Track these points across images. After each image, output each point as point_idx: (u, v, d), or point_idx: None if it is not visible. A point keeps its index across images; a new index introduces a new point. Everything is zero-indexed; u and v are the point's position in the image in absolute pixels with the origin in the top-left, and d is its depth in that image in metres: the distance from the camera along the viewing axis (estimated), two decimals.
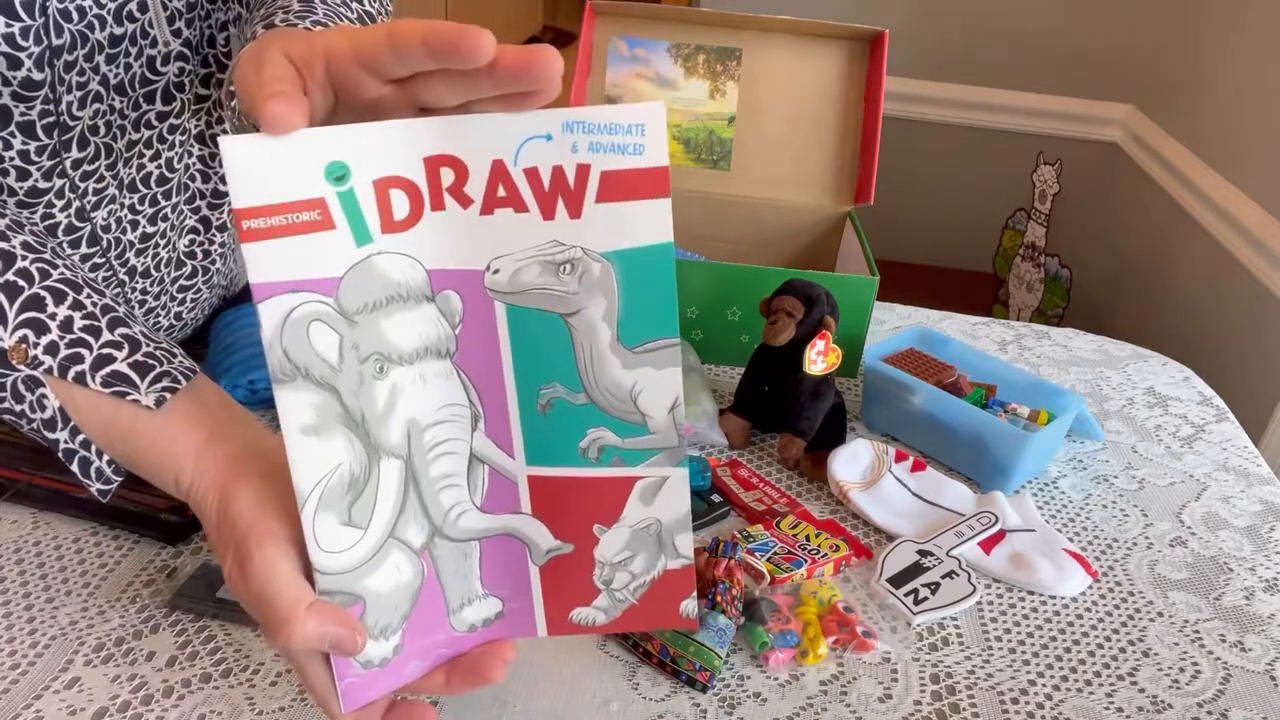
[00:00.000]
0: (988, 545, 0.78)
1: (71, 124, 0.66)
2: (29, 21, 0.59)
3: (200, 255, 0.84)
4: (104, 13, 0.63)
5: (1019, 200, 2.66)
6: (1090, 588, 0.76)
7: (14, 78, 0.61)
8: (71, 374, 0.52)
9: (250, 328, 0.87)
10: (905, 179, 2.60)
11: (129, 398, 0.51)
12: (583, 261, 0.44)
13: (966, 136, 2.58)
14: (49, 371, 0.52)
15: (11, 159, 0.65)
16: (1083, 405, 0.91)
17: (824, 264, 1.19)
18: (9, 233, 0.55)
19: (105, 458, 0.54)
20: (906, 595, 0.72)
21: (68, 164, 0.68)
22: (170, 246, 0.80)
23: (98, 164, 0.70)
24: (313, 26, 0.60)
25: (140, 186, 0.75)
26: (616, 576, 0.50)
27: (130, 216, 0.75)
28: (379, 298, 0.44)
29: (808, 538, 0.77)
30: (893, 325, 1.14)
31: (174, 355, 0.54)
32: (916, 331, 0.99)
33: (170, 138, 0.75)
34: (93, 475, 0.54)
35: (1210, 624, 0.73)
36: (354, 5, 0.69)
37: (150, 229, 0.77)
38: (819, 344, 0.85)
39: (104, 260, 0.75)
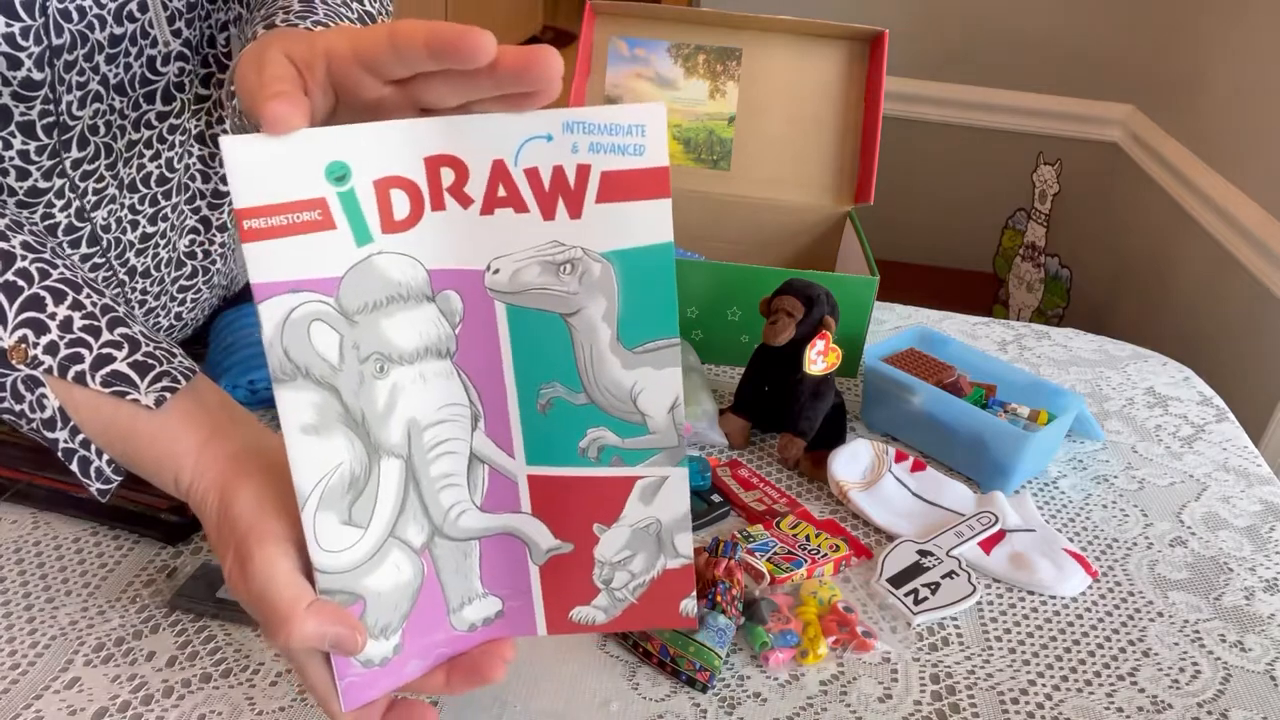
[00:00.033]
0: (988, 545, 0.78)
1: (71, 124, 0.66)
2: (29, 21, 0.59)
3: (200, 255, 0.84)
4: (104, 13, 0.63)
5: (1019, 200, 2.66)
6: (1090, 588, 0.76)
7: (14, 77, 0.61)
8: (71, 374, 0.52)
9: (250, 327, 0.87)
10: (905, 179, 2.60)
11: (129, 397, 0.51)
12: (583, 261, 0.44)
13: (966, 136, 2.58)
14: (49, 371, 0.52)
15: (11, 159, 0.65)
16: (1083, 405, 0.91)
17: (824, 264, 1.19)
18: (8, 233, 0.55)
19: (105, 457, 0.54)
20: (906, 595, 0.72)
21: (67, 164, 0.68)
22: (170, 246, 0.80)
23: (98, 164, 0.70)
24: (313, 27, 0.60)
25: (140, 186, 0.75)
26: (616, 576, 0.50)
27: (130, 216, 0.75)
28: (379, 297, 0.44)
29: (808, 538, 0.77)
30: (893, 325, 1.14)
31: (173, 355, 0.54)
32: (916, 331, 0.99)
33: (170, 138, 0.75)
34: (92, 475, 0.54)
35: (1210, 624, 0.73)
36: (354, 5, 0.69)
37: (150, 229, 0.77)
38: (819, 344, 0.85)
39: (104, 260, 0.75)
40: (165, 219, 0.78)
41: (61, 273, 0.55)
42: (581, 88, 1.17)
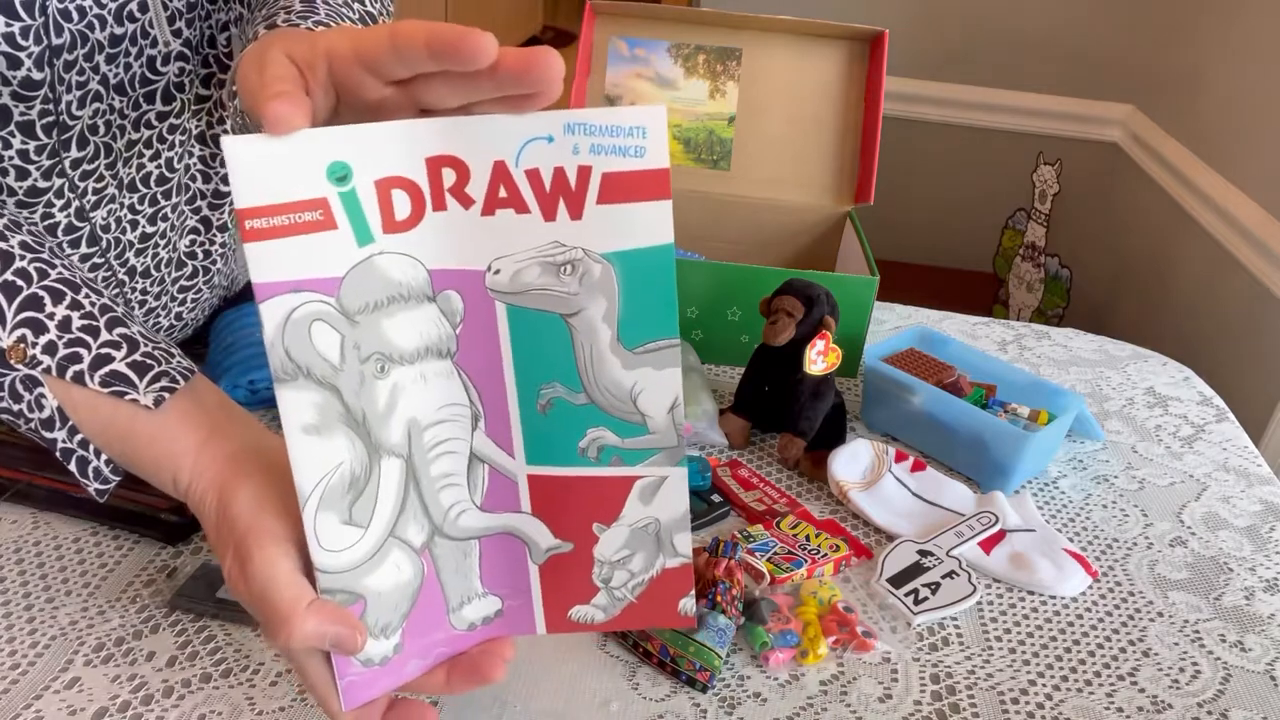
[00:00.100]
0: (988, 545, 0.78)
1: (71, 123, 0.66)
2: (29, 21, 0.59)
3: (201, 255, 0.84)
4: (104, 12, 0.63)
5: (1019, 200, 2.66)
6: (1090, 588, 0.76)
7: (14, 77, 0.61)
8: (70, 373, 0.52)
9: (250, 327, 0.87)
10: (905, 179, 2.60)
11: (127, 397, 0.51)
12: (583, 262, 0.44)
13: (966, 136, 2.58)
14: (47, 371, 0.52)
15: (11, 158, 0.65)
16: (1083, 405, 0.91)
17: (824, 264, 1.19)
18: (7, 233, 0.55)
19: (103, 457, 0.54)
20: (906, 595, 0.72)
21: (67, 163, 0.68)
22: (170, 247, 0.80)
23: (97, 163, 0.70)
24: (315, 27, 0.60)
25: (140, 186, 0.75)
26: (615, 575, 0.50)
27: (130, 216, 0.75)
28: (380, 297, 0.44)
29: (808, 538, 0.77)
30: (893, 325, 1.14)
31: (172, 355, 0.54)
32: (916, 331, 0.99)
33: (170, 138, 0.75)
34: (90, 475, 0.54)
35: (1210, 624, 0.73)
36: (356, 6, 0.69)
37: (150, 229, 0.77)
38: (819, 344, 0.85)
39: (103, 260, 0.75)
40: (165, 219, 0.78)
41: (60, 273, 0.55)
42: (582, 88, 1.17)
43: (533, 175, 0.43)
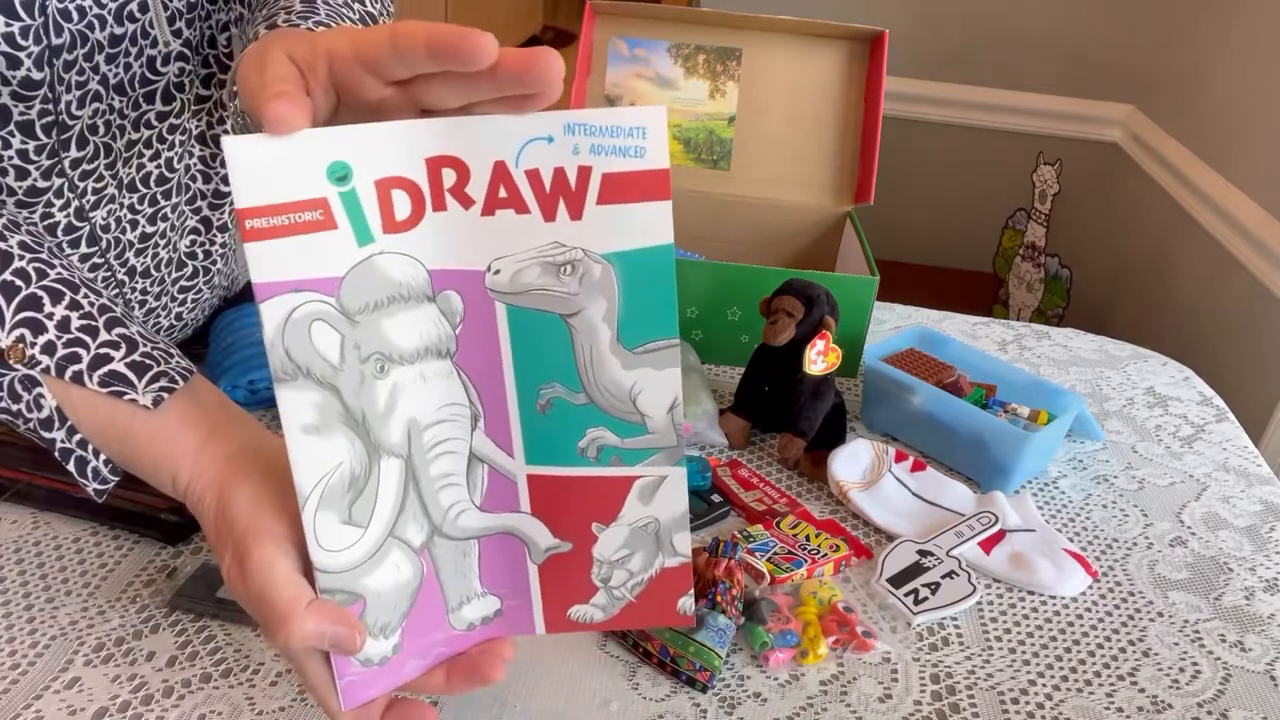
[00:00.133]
0: (988, 545, 0.78)
1: (70, 123, 0.66)
2: (28, 21, 0.59)
3: (201, 256, 0.84)
4: (104, 12, 0.63)
5: (1019, 200, 2.66)
6: (1090, 588, 0.76)
7: (13, 77, 0.61)
8: (69, 373, 0.52)
9: (250, 327, 0.87)
10: (905, 179, 2.60)
11: (126, 397, 0.51)
12: (583, 263, 0.44)
13: (966, 136, 2.58)
14: (46, 371, 0.52)
15: (10, 158, 0.65)
16: (1083, 405, 0.91)
17: (824, 264, 1.19)
18: (6, 233, 0.55)
19: (102, 457, 0.54)
20: (906, 595, 0.72)
21: (66, 163, 0.68)
22: (171, 247, 0.80)
23: (97, 163, 0.70)
24: (315, 27, 0.60)
25: (140, 186, 0.75)
26: (614, 574, 0.50)
27: (130, 216, 0.75)
28: (380, 297, 0.44)
29: (808, 538, 0.77)
30: (893, 325, 1.14)
31: (171, 355, 0.54)
32: (916, 331, 0.99)
33: (170, 138, 0.75)
34: (89, 475, 0.54)
35: (1210, 624, 0.73)
36: (356, 6, 0.69)
37: (150, 229, 0.77)
38: (819, 344, 0.85)
39: (103, 260, 0.75)
40: (165, 219, 0.78)
41: (59, 273, 0.55)
42: (582, 88, 1.17)
43: (533, 175, 0.43)
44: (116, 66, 0.66)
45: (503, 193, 0.43)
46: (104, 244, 0.74)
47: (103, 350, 0.52)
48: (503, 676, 0.51)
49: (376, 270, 0.43)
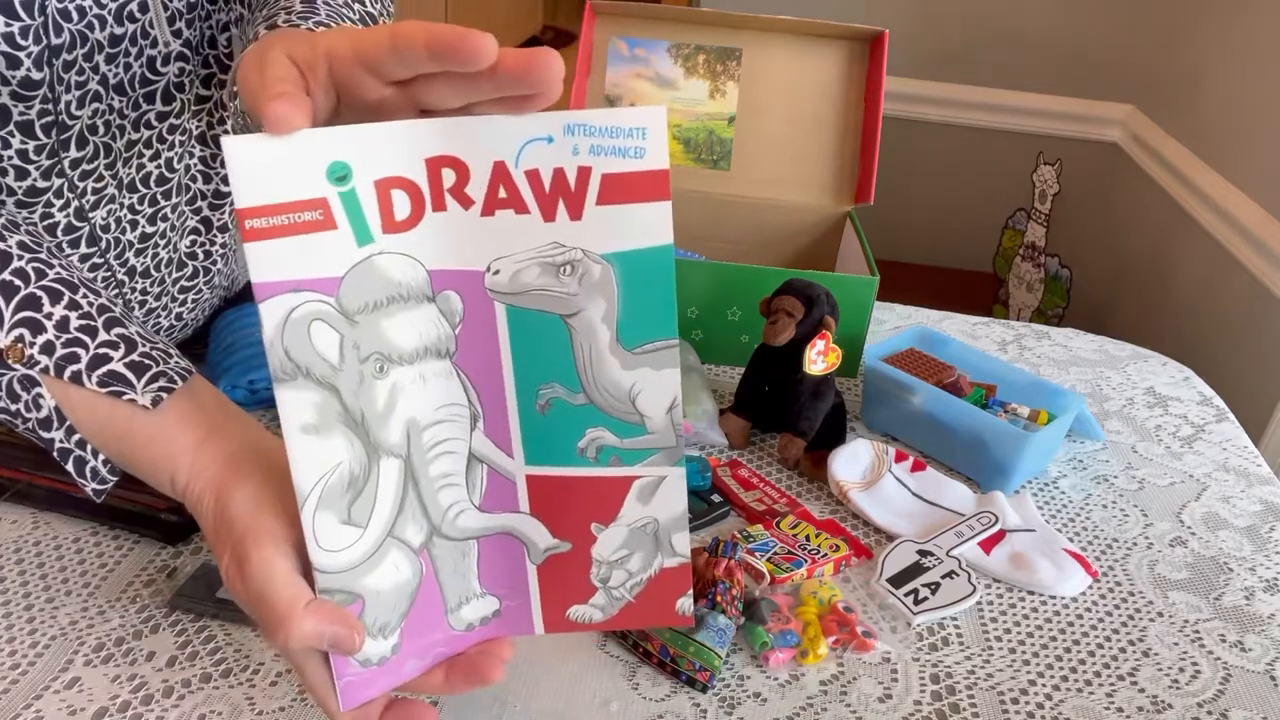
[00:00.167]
0: (988, 545, 0.78)
1: (70, 123, 0.66)
2: (28, 21, 0.59)
3: (201, 256, 0.84)
4: (104, 13, 0.63)
5: (1019, 200, 2.66)
6: (1090, 588, 0.76)
7: (13, 77, 0.61)
8: (68, 373, 0.52)
9: (250, 327, 0.87)
10: (905, 179, 2.60)
11: (125, 397, 0.51)
12: (583, 263, 0.44)
13: (966, 136, 2.58)
14: (45, 371, 0.52)
15: (10, 158, 0.65)
16: (1083, 405, 0.91)
17: (824, 264, 1.19)
18: (5, 232, 0.55)
19: (101, 457, 0.54)
20: (906, 595, 0.72)
21: (66, 163, 0.68)
22: (171, 247, 0.80)
23: (97, 163, 0.70)
24: (315, 27, 0.60)
25: (140, 186, 0.75)
26: (614, 574, 0.50)
27: (129, 216, 0.75)
28: (380, 297, 0.44)
29: (808, 538, 0.77)
30: (893, 325, 1.14)
31: (170, 355, 0.54)
32: (916, 331, 0.99)
33: (170, 138, 0.75)
34: (88, 475, 0.54)
35: (1210, 624, 0.73)
36: (356, 6, 0.69)
37: (150, 229, 0.77)
38: (819, 344, 0.85)
39: (103, 260, 0.75)
40: (165, 219, 0.78)
41: (58, 272, 0.55)
42: (582, 88, 1.17)
43: (532, 176, 0.43)
44: (116, 66, 0.66)
45: (502, 193, 0.43)
46: (104, 244, 0.74)
47: (101, 350, 0.52)
48: (502, 677, 0.51)
49: (376, 270, 0.43)
